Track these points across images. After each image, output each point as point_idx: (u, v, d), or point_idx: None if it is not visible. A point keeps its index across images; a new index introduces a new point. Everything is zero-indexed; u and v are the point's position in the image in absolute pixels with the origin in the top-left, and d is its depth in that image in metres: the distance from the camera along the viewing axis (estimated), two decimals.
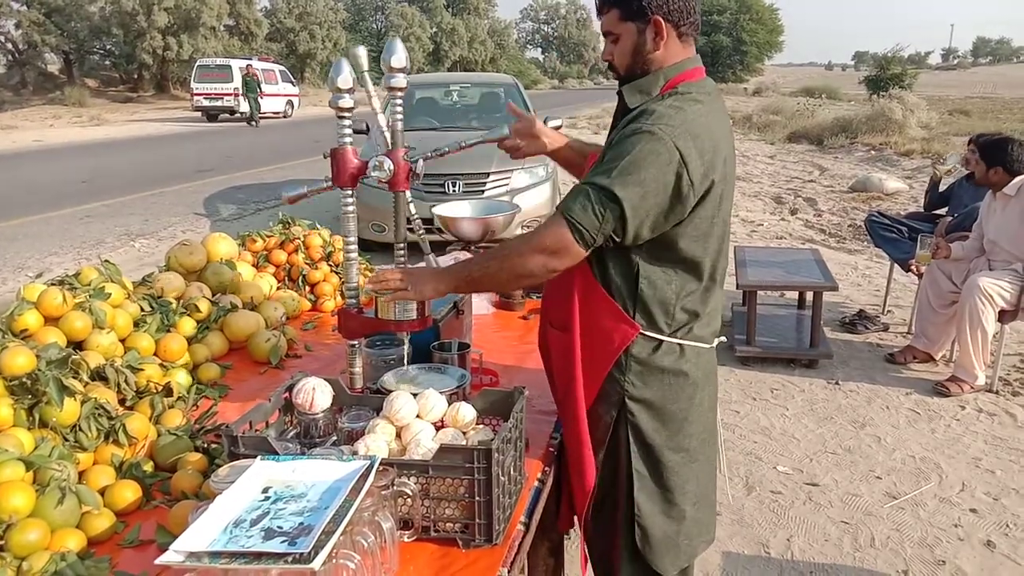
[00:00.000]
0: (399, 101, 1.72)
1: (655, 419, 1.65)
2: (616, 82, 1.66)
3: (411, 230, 1.80)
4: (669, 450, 1.66)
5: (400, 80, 1.69)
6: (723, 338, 1.78)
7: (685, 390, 1.66)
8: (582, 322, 1.64)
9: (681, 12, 1.56)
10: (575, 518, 1.82)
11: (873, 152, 14.26)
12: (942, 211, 5.34)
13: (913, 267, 4.66)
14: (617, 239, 1.51)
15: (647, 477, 1.67)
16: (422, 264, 1.87)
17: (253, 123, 23.47)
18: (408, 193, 1.75)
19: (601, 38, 1.70)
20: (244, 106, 24.31)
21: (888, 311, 5.50)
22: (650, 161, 1.45)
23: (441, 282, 1.65)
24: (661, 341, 1.62)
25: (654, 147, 1.46)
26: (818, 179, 12.12)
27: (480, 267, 1.65)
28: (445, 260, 2.11)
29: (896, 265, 5.25)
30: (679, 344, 1.63)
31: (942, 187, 5.37)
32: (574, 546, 2.32)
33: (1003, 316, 4.06)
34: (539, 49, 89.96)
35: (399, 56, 1.67)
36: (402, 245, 1.79)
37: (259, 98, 24.08)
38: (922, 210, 5.75)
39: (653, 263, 1.58)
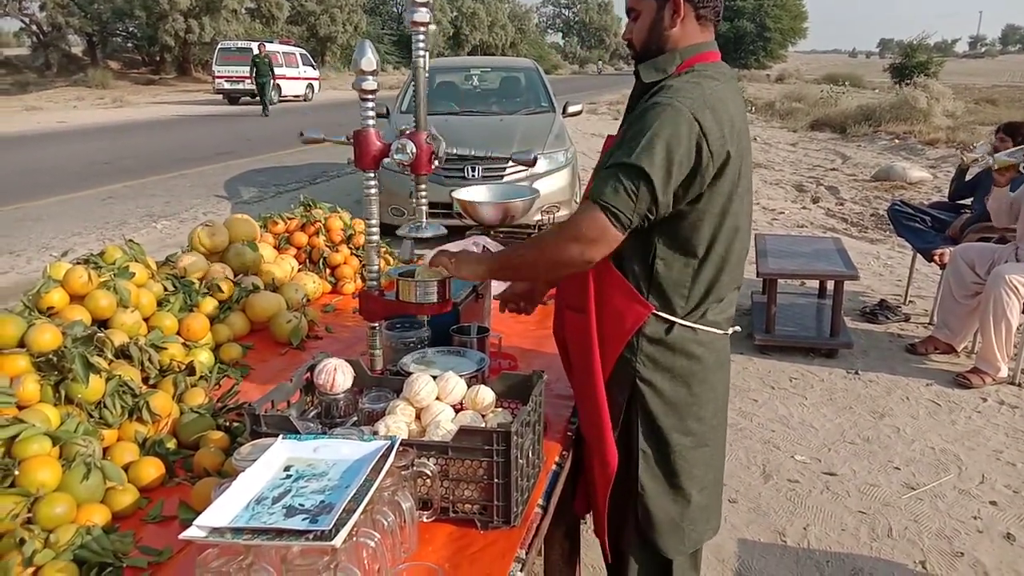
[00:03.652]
0: (421, 36, 1.70)
1: (665, 401, 1.65)
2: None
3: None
4: (678, 433, 1.67)
5: (423, 14, 1.68)
6: (737, 328, 1.77)
7: (696, 374, 1.66)
8: (597, 303, 1.64)
9: None
10: (591, 502, 1.83)
11: (897, 141, 14.07)
12: (967, 201, 5.27)
13: (936, 256, 4.61)
14: (652, 216, 1.51)
15: (652, 458, 1.68)
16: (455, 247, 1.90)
17: (264, 112, 20.51)
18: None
19: (621, 23, 1.70)
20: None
21: (910, 301, 5.44)
22: (671, 132, 1.46)
23: (481, 265, 1.68)
24: (674, 323, 1.62)
25: (673, 118, 1.46)
26: (840, 167, 11.98)
27: (519, 255, 1.67)
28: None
29: (919, 255, 5.19)
30: (692, 327, 1.63)
31: (968, 175, 5.28)
32: (589, 530, 2.32)
33: None
34: (560, 34, 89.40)
35: None
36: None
37: (271, 82, 21.17)
38: (947, 199, 5.67)
39: (669, 243, 1.58)
